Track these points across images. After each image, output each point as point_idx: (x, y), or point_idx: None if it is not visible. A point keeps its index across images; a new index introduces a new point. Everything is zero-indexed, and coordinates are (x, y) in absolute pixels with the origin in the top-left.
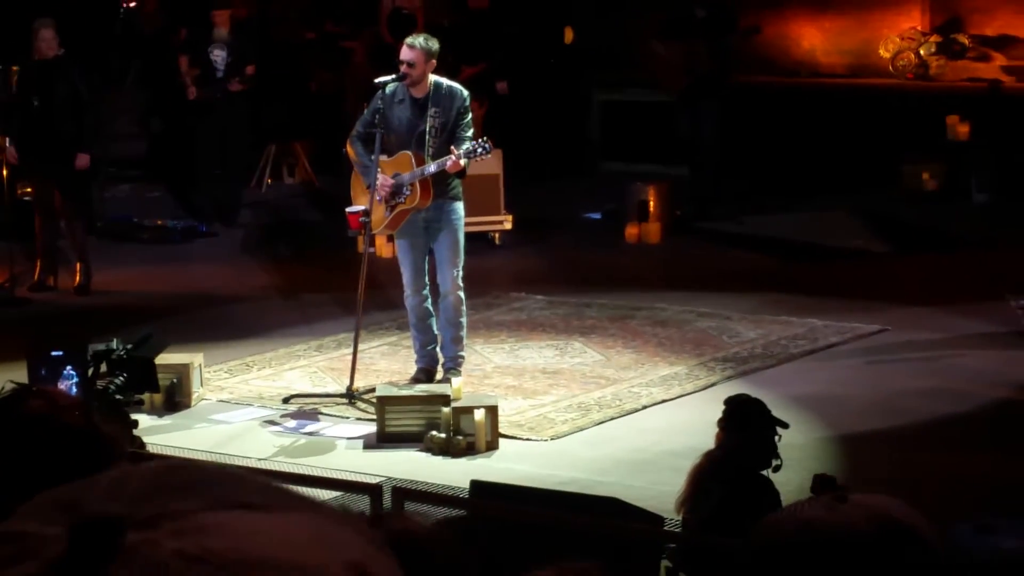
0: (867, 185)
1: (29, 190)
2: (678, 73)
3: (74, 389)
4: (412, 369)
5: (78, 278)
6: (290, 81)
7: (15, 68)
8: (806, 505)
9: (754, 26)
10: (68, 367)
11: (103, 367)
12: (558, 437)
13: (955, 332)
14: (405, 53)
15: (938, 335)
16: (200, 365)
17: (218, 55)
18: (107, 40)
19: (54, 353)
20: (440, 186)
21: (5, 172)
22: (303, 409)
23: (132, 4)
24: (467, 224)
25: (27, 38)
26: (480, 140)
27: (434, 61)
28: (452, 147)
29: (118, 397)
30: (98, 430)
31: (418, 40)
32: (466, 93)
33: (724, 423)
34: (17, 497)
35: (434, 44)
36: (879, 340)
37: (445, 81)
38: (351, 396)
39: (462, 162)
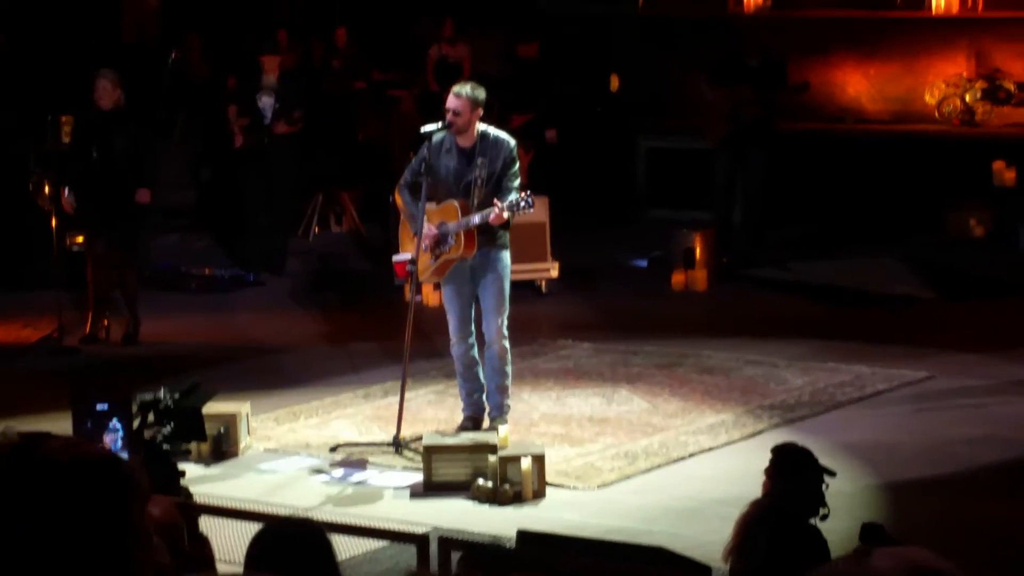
0: (913, 231)
1: (79, 240)
2: (721, 120)
3: (119, 443)
4: (459, 417)
5: (126, 328)
6: (337, 130)
7: (64, 118)
8: (839, 563)
9: (803, 82)
10: (113, 419)
11: (151, 417)
12: (605, 485)
13: (1003, 379)
14: (451, 101)
15: (986, 382)
16: (247, 414)
17: (266, 102)
18: (155, 90)
19: (99, 406)
20: (486, 235)
21: (55, 222)
22: (350, 458)
23: (178, 54)
24: (514, 272)
25: (84, 89)
26: (523, 195)
27: (480, 110)
28: (496, 199)
29: (166, 447)
30: (118, 460)
31: (464, 88)
32: (513, 143)
33: (771, 471)
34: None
35: (480, 93)
36: (926, 387)
37: (492, 130)
38: (398, 445)
39: (505, 215)
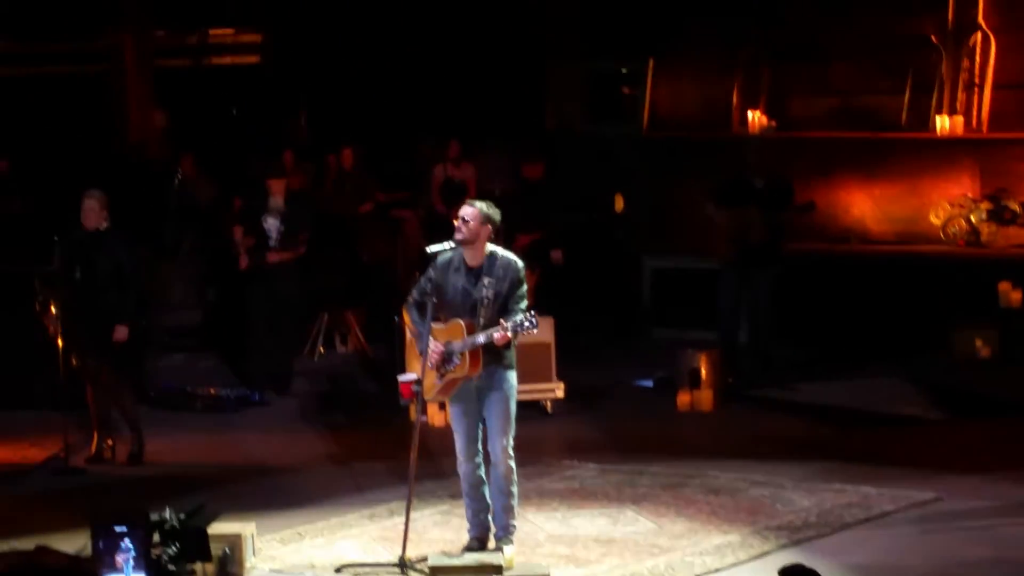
0: (920, 352)
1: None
2: (728, 241)
3: (131, 563)
4: (465, 538)
5: (131, 447)
6: (342, 250)
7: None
8: None
9: (809, 202)
10: (126, 540)
11: (156, 537)
12: None
13: (1011, 500)
14: (463, 209)
15: (994, 503)
16: (252, 535)
17: (271, 224)
18: (162, 210)
19: (117, 528)
20: (491, 355)
21: (60, 342)
22: None
23: (184, 175)
24: (519, 392)
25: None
26: (527, 314)
27: (489, 228)
28: (501, 320)
29: (171, 567)
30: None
31: (479, 203)
32: (521, 264)
33: None
34: None
35: (493, 212)
36: (934, 508)
37: (501, 251)
38: (403, 565)
39: (509, 335)
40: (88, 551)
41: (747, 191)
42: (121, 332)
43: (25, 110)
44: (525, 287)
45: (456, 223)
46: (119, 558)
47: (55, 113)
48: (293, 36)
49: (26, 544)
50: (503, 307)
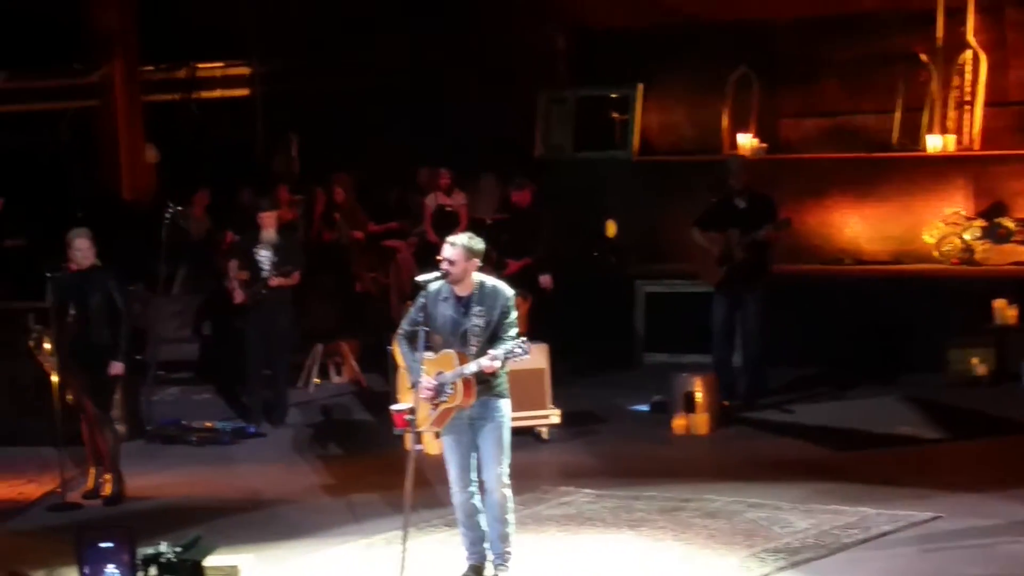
0: (916, 371)
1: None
2: (715, 264)
3: None
4: (463, 566)
5: (108, 488)
6: (335, 281)
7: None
8: None
9: (784, 219)
10: (111, 567)
11: (152, 571)
12: None
13: (1010, 518)
14: (446, 251)
15: (993, 522)
16: (250, 567)
17: (264, 255)
18: (154, 245)
19: (102, 544)
20: (483, 384)
21: (55, 379)
22: None
23: (178, 208)
24: (514, 419)
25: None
26: (518, 342)
27: (476, 260)
28: (490, 349)
29: None
30: None
31: (460, 239)
32: (510, 292)
33: None
34: None
35: (476, 244)
36: (933, 528)
37: (490, 280)
38: None
39: (496, 364)
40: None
41: (729, 213)
42: (117, 368)
43: (15, 147)
44: (515, 315)
45: (442, 265)
46: None
47: (45, 150)
48: (282, 68)
49: None
50: (493, 336)
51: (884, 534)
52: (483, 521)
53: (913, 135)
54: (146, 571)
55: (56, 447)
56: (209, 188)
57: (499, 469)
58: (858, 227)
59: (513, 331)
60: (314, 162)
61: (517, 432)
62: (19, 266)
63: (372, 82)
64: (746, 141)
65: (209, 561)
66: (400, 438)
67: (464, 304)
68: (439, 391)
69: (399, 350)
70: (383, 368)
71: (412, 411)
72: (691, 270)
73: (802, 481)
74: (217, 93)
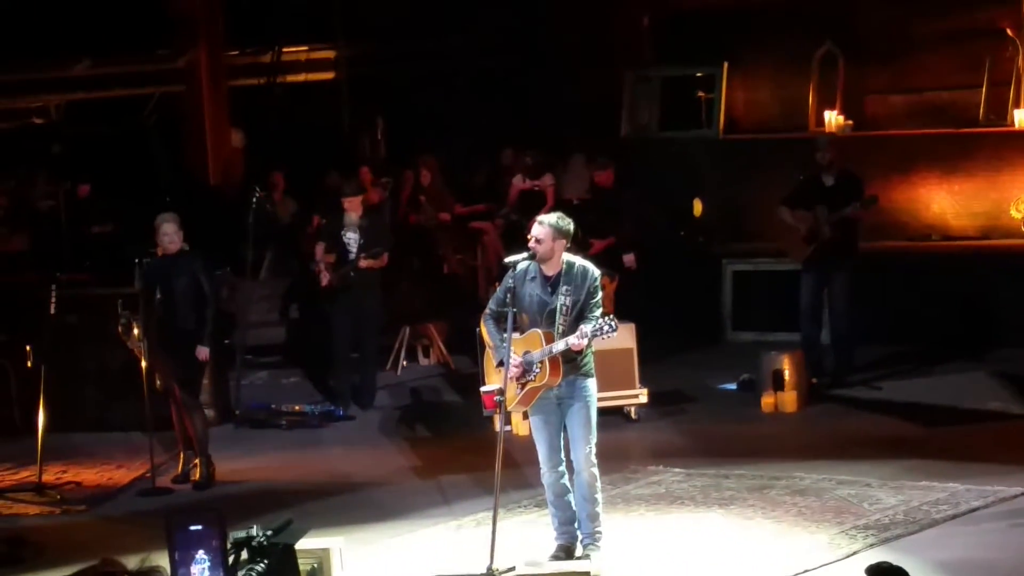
0: (1004, 346)
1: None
2: (803, 242)
3: (205, 573)
4: (552, 546)
5: (198, 472)
6: (422, 263)
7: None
8: None
9: (871, 196)
10: (201, 551)
11: (244, 555)
12: None
13: None
14: (535, 229)
15: None
16: (340, 549)
17: (351, 238)
18: (241, 229)
19: (192, 527)
20: (570, 363)
21: (144, 364)
22: None
23: (264, 192)
24: (603, 399)
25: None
26: (606, 319)
27: (564, 240)
28: (581, 326)
29: None
30: None
31: (548, 218)
32: (597, 272)
33: None
34: None
35: (565, 224)
36: (1022, 503)
37: (577, 260)
38: (492, 575)
39: (584, 342)
40: (149, 562)
41: (817, 191)
42: (203, 352)
43: (102, 134)
44: (601, 294)
45: (530, 243)
46: (193, 570)
47: (131, 136)
48: (367, 51)
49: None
50: (580, 315)
51: (973, 510)
52: (572, 501)
53: (1000, 110)
54: (237, 555)
55: (146, 432)
56: (284, 171)
57: (587, 448)
58: (945, 203)
59: (599, 311)
60: (400, 145)
61: (606, 412)
62: (107, 252)
63: (458, 64)
64: (832, 118)
65: (300, 544)
66: (489, 419)
67: (551, 284)
68: (526, 370)
69: (486, 330)
70: (471, 350)
71: (501, 392)
72: (778, 248)
73: (891, 458)
74: (302, 77)
